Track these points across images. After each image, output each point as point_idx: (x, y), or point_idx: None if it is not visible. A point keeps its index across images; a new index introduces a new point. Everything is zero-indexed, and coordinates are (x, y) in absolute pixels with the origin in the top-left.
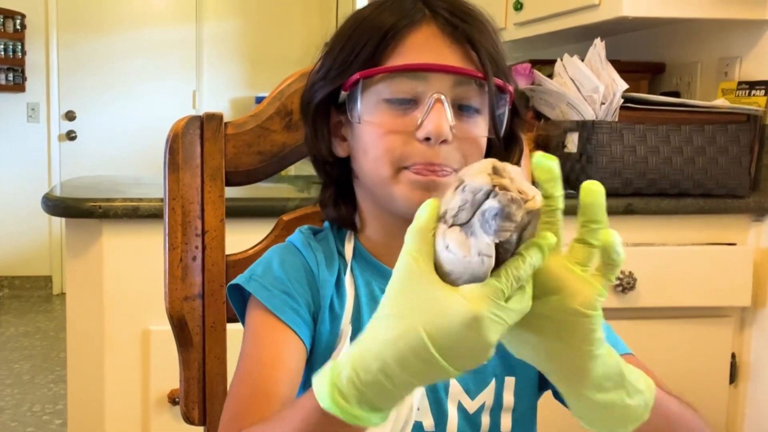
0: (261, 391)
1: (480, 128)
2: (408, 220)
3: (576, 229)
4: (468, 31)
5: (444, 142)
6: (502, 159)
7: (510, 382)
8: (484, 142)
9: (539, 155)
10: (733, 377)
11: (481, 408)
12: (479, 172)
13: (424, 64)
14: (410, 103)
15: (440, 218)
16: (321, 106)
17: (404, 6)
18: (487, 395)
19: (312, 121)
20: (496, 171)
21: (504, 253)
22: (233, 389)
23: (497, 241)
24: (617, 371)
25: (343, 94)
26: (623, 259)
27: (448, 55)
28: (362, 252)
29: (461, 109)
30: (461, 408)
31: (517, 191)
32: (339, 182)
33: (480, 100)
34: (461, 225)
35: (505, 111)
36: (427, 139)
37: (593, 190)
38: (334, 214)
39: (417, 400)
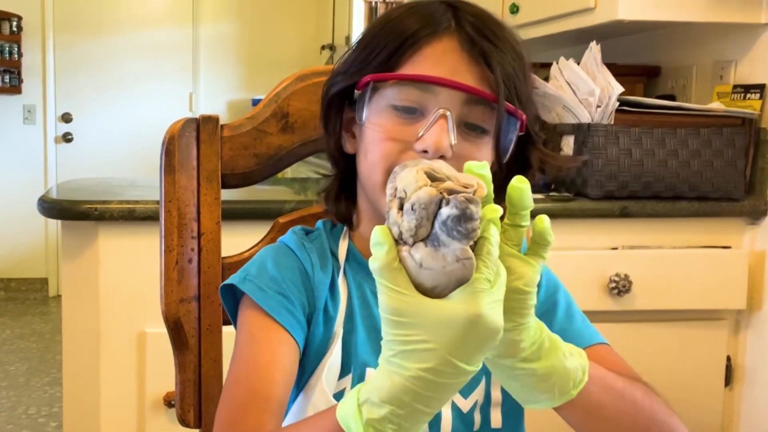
0: (258, 392)
1: (483, 150)
2: None
3: (507, 216)
4: (488, 50)
5: (442, 158)
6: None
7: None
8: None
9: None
10: (728, 380)
11: (474, 406)
12: (418, 186)
13: (435, 77)
14: (416, 113)
15: (397, 241)
16: (335, 100)
17: (432, 13)
18: (478, 393)
19: (325, 112)
20: (432, 177)
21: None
22: (228, 391)
23: (471, 243)
24: (548, 336)
25: (357, 92)
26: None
27: (464, 72)
28: (355, 253)
29: (468, 127)
30: (455, 407)
31: (462, 187)
32: (344, 177)
33: (490, 122)
34: (424, 240)
35: (513, 137)
36: (425, 152)
37: (520, 188)
38: (333, 207)
39: None
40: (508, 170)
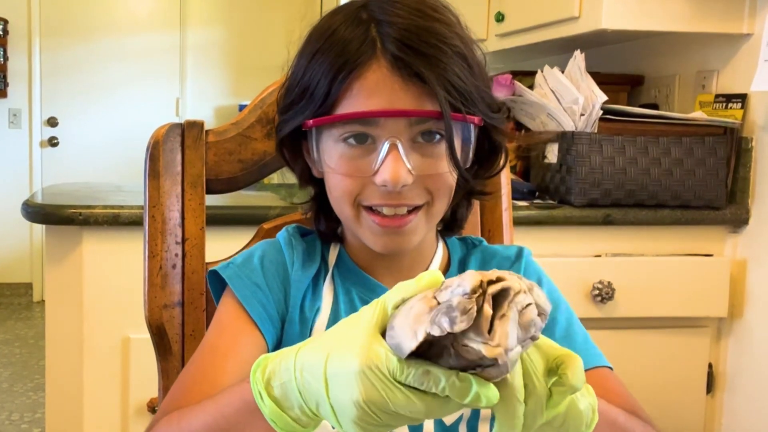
0: (207, 378)
1: (444, 159)
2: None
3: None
4: (420, 66)
5: (404, 187)
6: (485, 169)
7: None
8: (447, 175)
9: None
10: (710, 387)
11: (459, 419)
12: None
13: (374, 112)
14: (368, 140)
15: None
16: (288, 139)
17: (357, 37)
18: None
19: (281, 152)
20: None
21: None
22: (183, 371)
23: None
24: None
25: (305, 131)
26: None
27: (401, 96)
28: (345, 260)
29: (424, 138)
30: (438, 420)
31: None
32: (321, 199)
33: (443, 126)
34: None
35: (470, 141)
36: (385, 186)
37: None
38: (316, 228)
39: None
40: (479, 158)
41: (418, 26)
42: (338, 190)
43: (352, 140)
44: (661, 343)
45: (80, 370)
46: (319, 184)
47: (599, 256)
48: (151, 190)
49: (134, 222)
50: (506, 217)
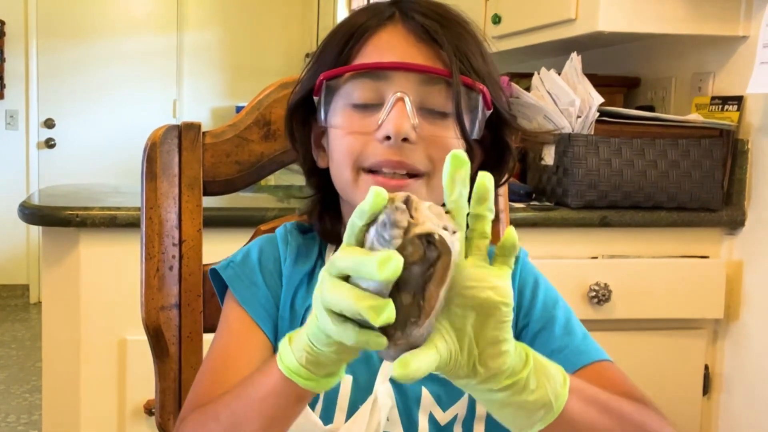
0: (223, 381)
1: (448, 131)
2: None
3: (471, 214)
4: (435, 29)
5: (406, 140)
6: (492, 169)
7: None
8: (453, 144)
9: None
10: (706, 389)
11: (454, 419)
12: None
13: (385, 63)
14: (375, 106)
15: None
16: (298, 112)
17: (377, 8)
18: (459, 407)
19: (289, 127)
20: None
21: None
22: (199, 376)
23: (390, 248)
24: (533, 357)
25: (316, 99)
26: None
27: (414, 55)
28: None
29: (430, 112)
30: (432, 419)
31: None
32: (323, 194)
33: (450, 103)
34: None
35: (478, 113)
36: (388, 138)
37: (484, 184)
38: (317, 226)
39: (386, 412)
40: (487, 156)
41: (437, 4)
42: (340, 151)
43: (360, 105)
44: (657, 345)
45: (77, 371)
46: (322, 177)
47: (596, 257)
48: (149, 192)
49: (131, 224)
50: (503, 218)
